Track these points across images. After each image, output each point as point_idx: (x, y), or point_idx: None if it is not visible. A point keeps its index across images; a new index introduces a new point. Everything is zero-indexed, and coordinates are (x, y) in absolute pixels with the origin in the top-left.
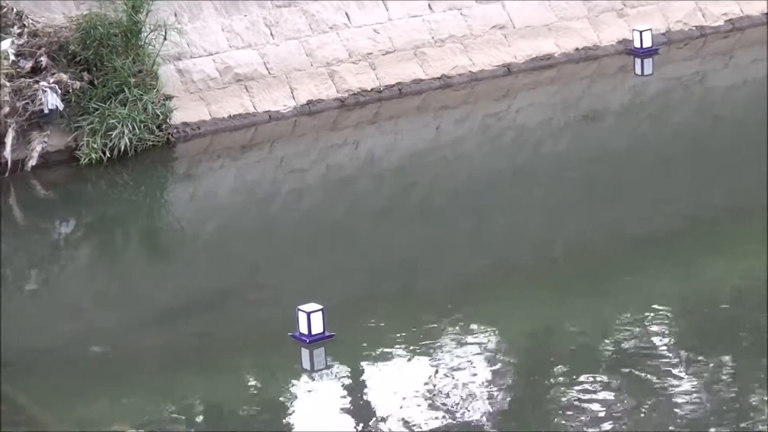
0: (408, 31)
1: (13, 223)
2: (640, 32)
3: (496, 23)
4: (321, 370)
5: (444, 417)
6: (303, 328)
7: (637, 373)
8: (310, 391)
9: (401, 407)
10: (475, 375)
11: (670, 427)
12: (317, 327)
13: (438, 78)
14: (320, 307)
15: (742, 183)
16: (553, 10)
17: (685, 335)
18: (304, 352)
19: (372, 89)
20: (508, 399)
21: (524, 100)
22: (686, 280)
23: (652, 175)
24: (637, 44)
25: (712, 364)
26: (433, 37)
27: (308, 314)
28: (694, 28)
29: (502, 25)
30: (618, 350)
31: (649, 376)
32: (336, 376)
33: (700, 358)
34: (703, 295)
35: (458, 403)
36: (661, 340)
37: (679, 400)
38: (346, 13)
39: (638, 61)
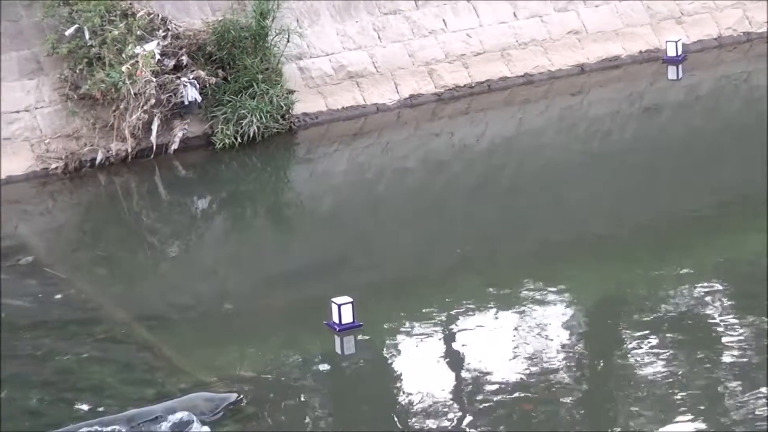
0: (496, 35)
1: (158, 198)
2: (675, 42)
3: (571, 29)
4: (350, 355)
5: (525, 369)
6: (335, 318)
7: (697, 332)
8: (412, 341)
9: (481, 359)
10: (548, 334)
11: (727, 380)
12: (347, 317)
13: (521, 76)
14: (350, 300)
15: None
16: (620, 18)
17: (734, 298)
18: (336, 339)
19: (465, 85)
20: (580, 357)
21: (595, 95)
22: (735, 250)
23: (704, 159)
24: (673, 53)
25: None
26: (517, 41)
27: (339, 306)
28: (742, 33)
29: (577, 30)
30: (677, 311)
31: (707, 335)
32: (440, 324)
33: (751, 318)
34: (749, 263)
35: (539, 355)
36: (714, 302)
37: (733, 356)
38: (443, 20)
39: (672, 68)
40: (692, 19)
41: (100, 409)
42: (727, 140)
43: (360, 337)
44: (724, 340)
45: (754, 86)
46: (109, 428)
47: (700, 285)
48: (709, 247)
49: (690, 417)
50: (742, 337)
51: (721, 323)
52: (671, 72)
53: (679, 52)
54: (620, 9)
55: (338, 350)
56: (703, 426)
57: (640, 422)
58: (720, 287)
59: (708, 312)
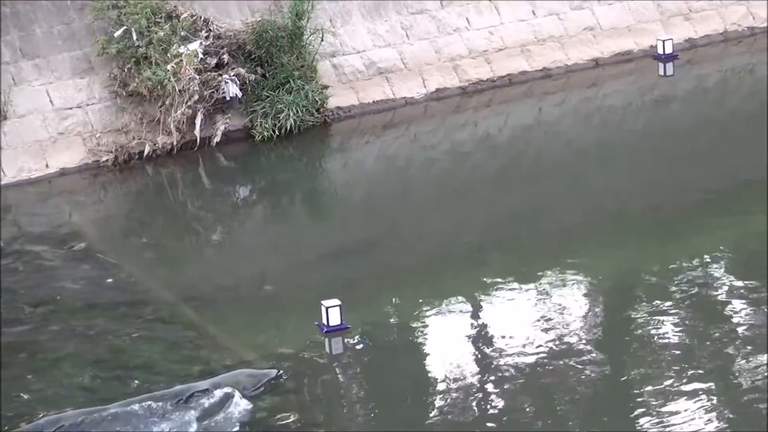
0: (516, 33)
1: (202, 187)
2: (663, 41)
3: (586, 26)
4: (338, 354)
5: (551, 340)
6: (323, 320)
7: (707, 305)
8: (442, 319)
9: (510, 333)
10: (568, 310)
11: (732, 348)
12: (335, 320)
13: (540, 70)
14: (339, 303)
15: None
16: (632, 15)
17: (743, 274)
18: (326, 340)
19: (487, 79)
20: (598, 331)
21: (609, 88)
22: (743, 230)
23: (711, 145)
24: (660, 51)
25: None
26: (536, 37)
27: (327, 308)
28: (746, 28)
29: (592, 27)
30: (688, 287)
31: (716, 308)
32: (466, 301)
33: (758, 291)
34: (756, 241)
35: (561, 326)
36: (724, 278)
37: (745, 327)
38: (467, 18)
39: (661, 65)
40: (699, 16)
41: (150, 385)
42: (730, 129)
43: (391, 319)
44: (732, 312)
45: (757, 78)
46: (158, 403)
47: (709, 261)
48: (718, 225)
49: (701, 381)
50: (748, 309)
51: (729, 296)
52: (660, 68)
53: (668, 51)
54: (632, 6)
55: (327, 350)
56: (711, 386)
57: (654, 390)
58: (731, 265)
59: (717, 285)
